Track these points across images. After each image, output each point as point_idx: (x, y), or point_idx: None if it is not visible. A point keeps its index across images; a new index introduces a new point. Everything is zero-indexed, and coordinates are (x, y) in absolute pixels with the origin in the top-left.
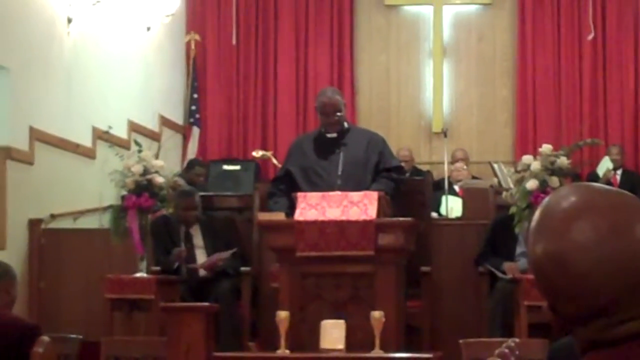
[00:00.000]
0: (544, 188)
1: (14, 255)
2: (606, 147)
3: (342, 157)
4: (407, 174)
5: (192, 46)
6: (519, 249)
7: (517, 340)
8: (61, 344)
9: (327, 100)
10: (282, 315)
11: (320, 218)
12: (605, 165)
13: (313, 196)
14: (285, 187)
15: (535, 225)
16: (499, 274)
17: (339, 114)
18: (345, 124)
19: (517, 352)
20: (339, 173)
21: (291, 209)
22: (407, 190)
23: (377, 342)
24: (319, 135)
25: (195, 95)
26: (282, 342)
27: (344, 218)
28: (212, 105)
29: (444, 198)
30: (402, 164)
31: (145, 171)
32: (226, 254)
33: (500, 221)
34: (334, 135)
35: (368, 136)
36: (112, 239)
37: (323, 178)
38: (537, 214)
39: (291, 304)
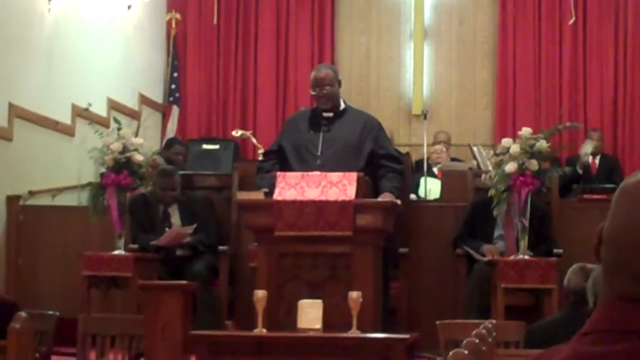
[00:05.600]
0: (522, 171)
1: None
2: (585, 132)
3: (331, 137)
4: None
5: (173, 25)
6: (497, 232)
7: (493, 321)
8: (38, 320)
9: (317, 73)
10: (260, 294)
11: (299, 198)
12: (588, 147)
13: (292, 176)
14: (275, 162)
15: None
16: (477, 256)
17: (328, 87)
18: (343, 104)
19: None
20: (324, 152)
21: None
22: None
23: (355, 322)
24: (314, 113)
25: (176, 74)
26: (260, 321)
27: (322, 198)
28: (192, 84)
29: (422, 180)
30: (398, 152)
31: (125, 149)
32: (187, 230)
33: (479, 203)
34: (330, 114)
35: (364, 118)
36: (91, 216)
37: (314, 155)
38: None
39: (269, 283)
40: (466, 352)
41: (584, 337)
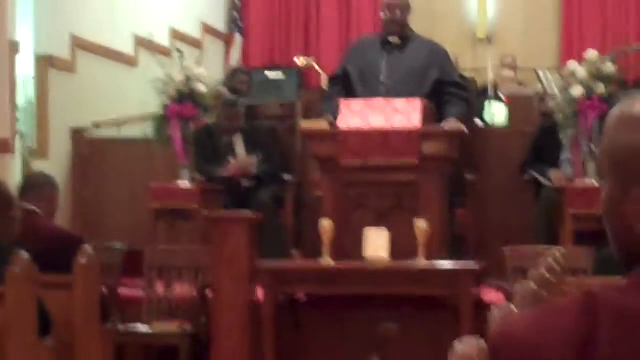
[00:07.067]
0: (589, 95)
1: (57, 165)
2: None
3: (398, 64)
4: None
5: None
6: (564, 156)
7: (562, 249)
8: (105, 253)
9: None
10: (326, 224)
11: (364, 126)
12: None
13: (356, 103)
14: (340, 88)
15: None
16: (545, 182)
17: (399, 12)
18: (410, 32)
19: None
20: (389, 78)
21: None
22: None
23: (421, 251)
24: (381, 38)
25: (238, 2)
26: (326, 251)
27: (387, 126)
28: (255, 12)
29: (488, 105)
30: (462, 78)
31: (188, 79)
32: (252, 159)
33: (546, 128)
34: (397, 40)
35: (431, 47)
36: (155, 147)
37: (379, 81)
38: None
39: (334, 213)
40: (533, 285)
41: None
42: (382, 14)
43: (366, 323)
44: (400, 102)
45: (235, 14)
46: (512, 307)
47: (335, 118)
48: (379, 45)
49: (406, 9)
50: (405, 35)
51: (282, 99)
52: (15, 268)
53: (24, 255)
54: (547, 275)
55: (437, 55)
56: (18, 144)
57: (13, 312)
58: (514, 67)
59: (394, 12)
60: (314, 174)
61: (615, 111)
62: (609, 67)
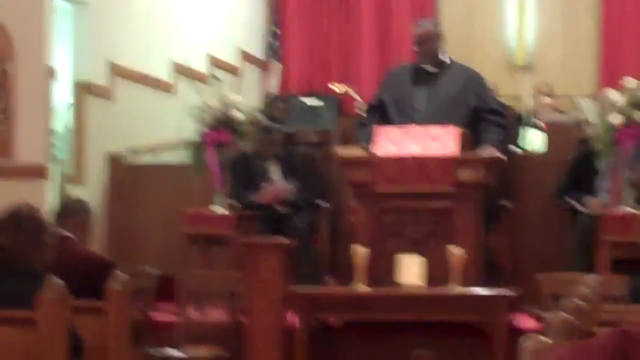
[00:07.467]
0: (628, 123)
1: (94, 190)
2: None
3: (434, 91)
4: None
5: None
6: (602, 185)
7: (597, 276)
8: (139, 278)
9: (420, 30)
10: (360, 250)
11: (400, 153)
12: None
13: (393, 130)
14: (377, 117)
15: None
16: (581, 209)
17: (431, 44)
18: (446, 59)
19: None
20: (426, 107)
21: None
22: None
23: (456, 278)
24: (417, 67)
25: (276, 29)
26: (359, 277)
27: (424, 153)
28: (293, 39)
29: (526, 132)
30: (501, 105)
31: (224, 106)
32: (287, 186)
33: (583, 156)
34: (434, 69)
35: (467, 74)
36: (191, 174)
37: (416, 110)
38: None
39: (369, 239)
40: (567, 315)
41: None
42: (414, 47)
43: (400, 349)
44: (436, 129)
45: (273, 41)
46: (543, 338)
47: (371, 146)
48: (414, 73)
49: (436, 38)
50: (440, 63)
51: (320, 126)
52: (47, 293)
53: (57, 280)
54: (581, 304)
55: (474, 82)
56: (54, 170)
57: (45, 338)
58: (550, 95)
59: (423, 45)
60: (349, 201)
61: None
62: None
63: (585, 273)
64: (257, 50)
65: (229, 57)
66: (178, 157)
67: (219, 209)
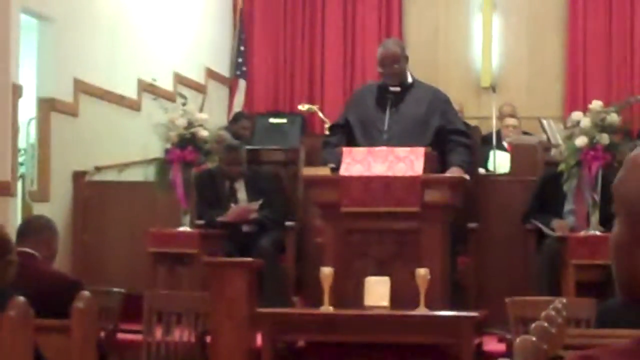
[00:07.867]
0: (593, 145)
1: (58, 208)
2: None
3: (399, 112)
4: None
5: None
6: (567, 207)
7: (563, 300)
8: (104, 297)
9: (384, 51)
10: (326, 271)
11: (366, 173)
12: None
13: (358, 151)
14: (341, 136)
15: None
16: (548, 231)
17: (396, 65)
18: (410, 79)
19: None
20: (391, 128)
21: None
22: None
23: (422, 299)
24: (381, 87)
25: (242, 48)
26: (326, 298)
27: (389, 173)
28: (258, 58)
29: (491, 153)
30: (466, 126)
31: (190, 124)
32: (253, 205)
33: (549, 178)
34: (397, 89)
35: (432, 93)
36: (156, 192)
37: (380, 131)
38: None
39: (336, 260)
40: (534, 338)
41: None
42: (379, 68)
43: None
44: (402, 150)
45: (240, 59)
46: None
47: (337, 166)
48: (379, 94)
49: (400, 60)
50: (405, 83)
51: (285, 145)
52: (10, 312)
53: (20, 299)
54: (548, 327)
55: (439, 101)
56: (19, 187)
57: (8, 357)
58: (513, 116)
59: (389, 66)
60: (315, 220)
61: (631, 155)
62: (613, 118)
63: (551, 296)
64: (223, 68)
65: (195, 74)
66: (143, 174)
67: (184, 228)
